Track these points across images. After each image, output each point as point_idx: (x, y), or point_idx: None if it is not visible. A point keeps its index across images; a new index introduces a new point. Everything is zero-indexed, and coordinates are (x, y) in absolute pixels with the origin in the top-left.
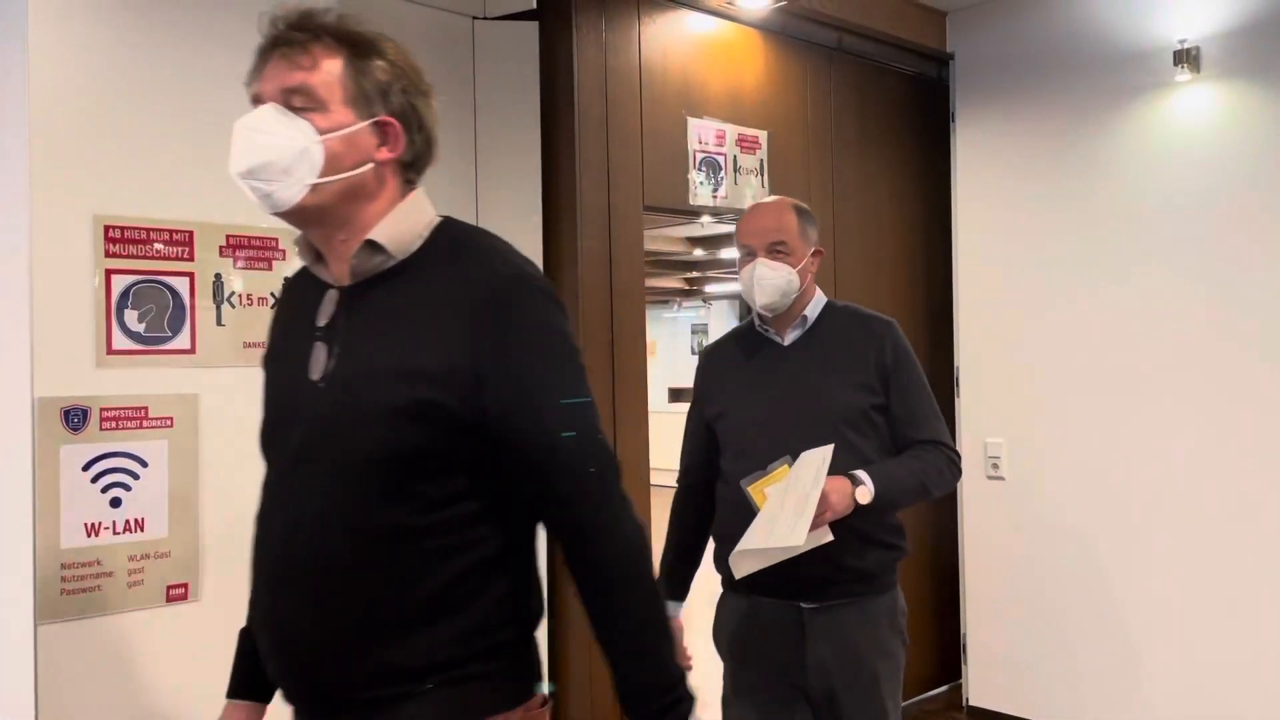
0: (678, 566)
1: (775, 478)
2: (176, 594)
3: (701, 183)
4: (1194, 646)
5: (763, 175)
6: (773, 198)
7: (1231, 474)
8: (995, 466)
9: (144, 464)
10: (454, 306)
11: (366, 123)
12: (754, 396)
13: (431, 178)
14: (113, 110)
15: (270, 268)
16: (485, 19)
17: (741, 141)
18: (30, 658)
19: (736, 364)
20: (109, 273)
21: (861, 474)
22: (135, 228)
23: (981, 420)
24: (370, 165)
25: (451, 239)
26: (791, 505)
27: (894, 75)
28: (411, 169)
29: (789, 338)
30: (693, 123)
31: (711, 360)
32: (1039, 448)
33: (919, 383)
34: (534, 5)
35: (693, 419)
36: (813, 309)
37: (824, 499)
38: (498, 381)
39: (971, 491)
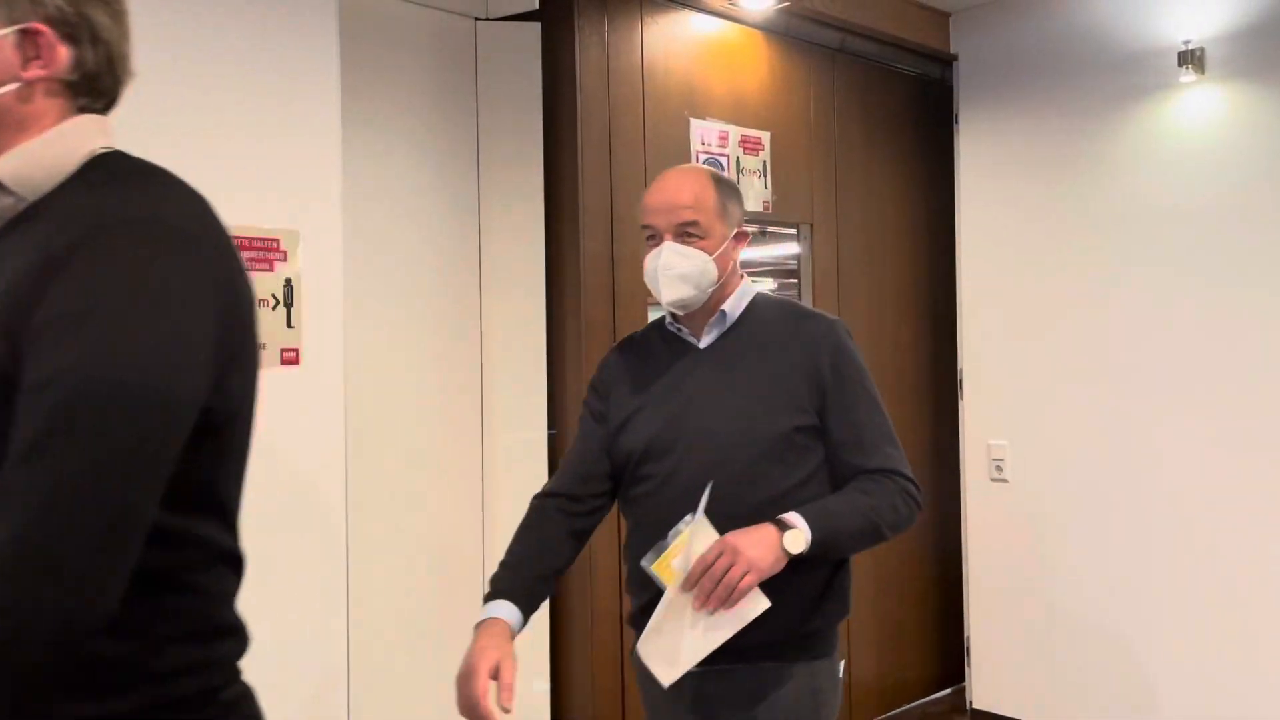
0: (518, 572)
1: (678, 549)
2: None
3: None
4: (1199, 650)
5: (766, 176)
6: (686, 166)
7: (1237, 477)
8: (999, 468)
9: None
10: (40, 254)
11: (5, 31)
12: (655, 411)
13: (432, 177)
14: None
15: (272, 269)
16: (487, 20)
17: (744, 143)
18: None
19: (643, 367)
20: None
21: (792, 517)
22: None
23: (985, 422)
24: (14, 85)
25: (98, 176)
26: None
27: (897, 76)
28: (85, 92)
29: (705, 339)
30: (695, 124)
31: (618, 360)
32: (1043, 450)
33: (866, 398)
34: (536, 6)
35: (585, 430)
36: (734, 304)
37: (741, 556)
38: (33, 336)
39: (975, 493)
